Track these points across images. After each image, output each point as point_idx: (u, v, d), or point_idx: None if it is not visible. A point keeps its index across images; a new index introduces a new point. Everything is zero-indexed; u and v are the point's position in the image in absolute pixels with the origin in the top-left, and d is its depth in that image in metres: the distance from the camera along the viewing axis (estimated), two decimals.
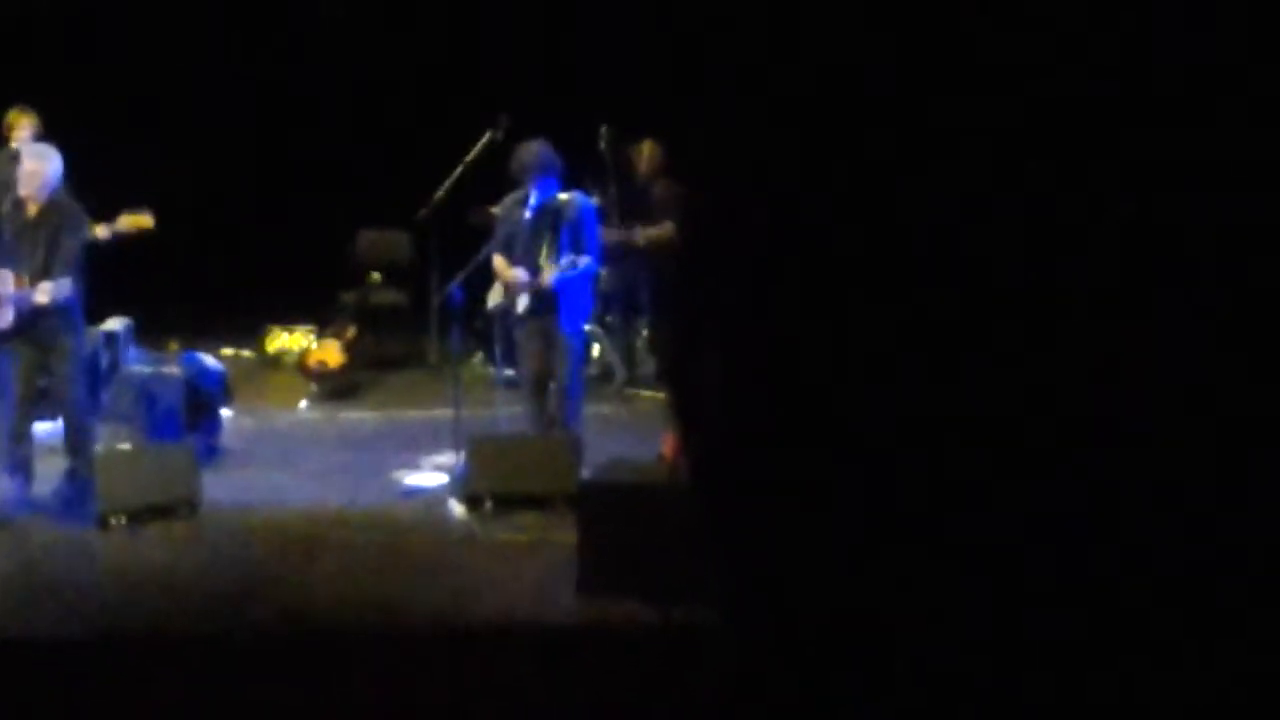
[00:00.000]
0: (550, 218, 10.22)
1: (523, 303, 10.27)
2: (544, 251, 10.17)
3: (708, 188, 0.98)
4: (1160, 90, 0.85)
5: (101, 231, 10.76)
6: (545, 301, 10.21)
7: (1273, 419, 0.83)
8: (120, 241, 11.07)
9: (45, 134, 11.12)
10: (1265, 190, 0.83)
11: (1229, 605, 0.84)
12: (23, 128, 11.52)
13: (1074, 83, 0.85)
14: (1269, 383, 0.83)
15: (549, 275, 10.12)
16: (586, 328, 11.24)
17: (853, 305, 0.88)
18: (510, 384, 11.05)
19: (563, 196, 10.29)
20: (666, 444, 9.86)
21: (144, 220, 11.15)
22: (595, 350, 12.63)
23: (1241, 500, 0.83)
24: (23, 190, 9.98)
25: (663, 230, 12.48)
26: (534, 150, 10.24)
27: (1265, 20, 0.85)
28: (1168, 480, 0.84)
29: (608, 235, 12.38)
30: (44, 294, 9.76)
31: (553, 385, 10.34)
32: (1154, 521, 0.84)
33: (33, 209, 9.95)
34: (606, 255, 11.24)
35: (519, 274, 10.25)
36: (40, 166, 9.99)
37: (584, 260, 10.20)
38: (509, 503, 9.73)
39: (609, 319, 12.90)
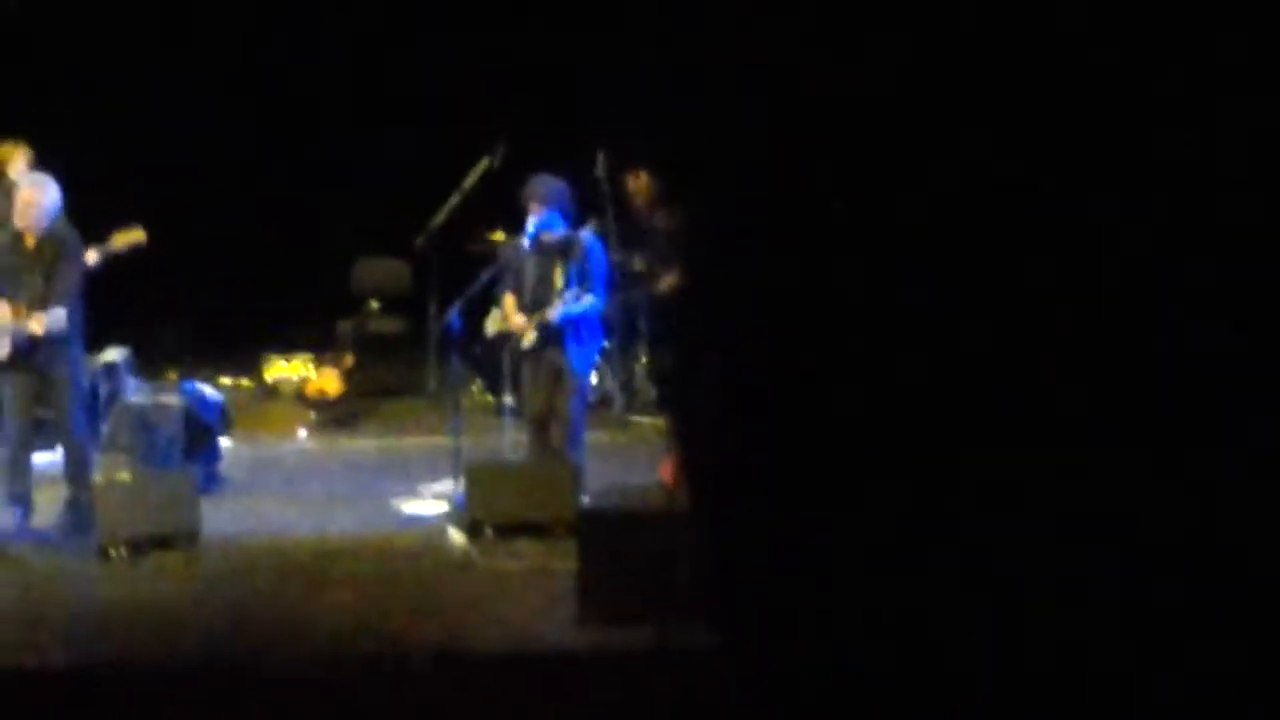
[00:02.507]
0: (557, 255, 10.23)
1: (530, 338, 10.25)
2: (552, 288, 10.18)
3: (709, 219, 0.99)
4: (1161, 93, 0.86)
5: (92, 256, 10.70)
6: (552, 336, 10.20)
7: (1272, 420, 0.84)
8: (115, 261, 11.01)
9: (39, 166, 11.09)
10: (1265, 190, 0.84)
11: (1229, 606, 0.84)
12: (16, 161, 11.51)
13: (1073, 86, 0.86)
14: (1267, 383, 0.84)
15: (553, 312, 10.13)
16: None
17: (850, 334, 0.89)
18: (513, 412, 11.04)
19: (572, 234, 10.29)
20: (666, 470, 9.85)
21: (136, 235, 11.08)
22: (594, 377, 12.63)
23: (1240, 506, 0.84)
24: (19, 222, 9.97)
25: (674, 279, 12.54)
26: (541, 181, 10.26)
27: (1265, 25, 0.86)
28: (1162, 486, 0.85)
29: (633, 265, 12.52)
30: (38, 324, 9.74)
31: (554, 417, 10.32)
32: (1149, 525, 0.85)
33: (30, 240, 9.94)
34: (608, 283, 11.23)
35: (519, 321, 10.26)
36: (37, 197, 9.97)
37: (588, 299, 10.20)
38: (509, 530, 9.71)
39: (608, 345, 12.90)
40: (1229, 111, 0.89)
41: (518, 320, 10.30)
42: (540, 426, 10.38)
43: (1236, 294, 0.87)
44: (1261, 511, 0.88)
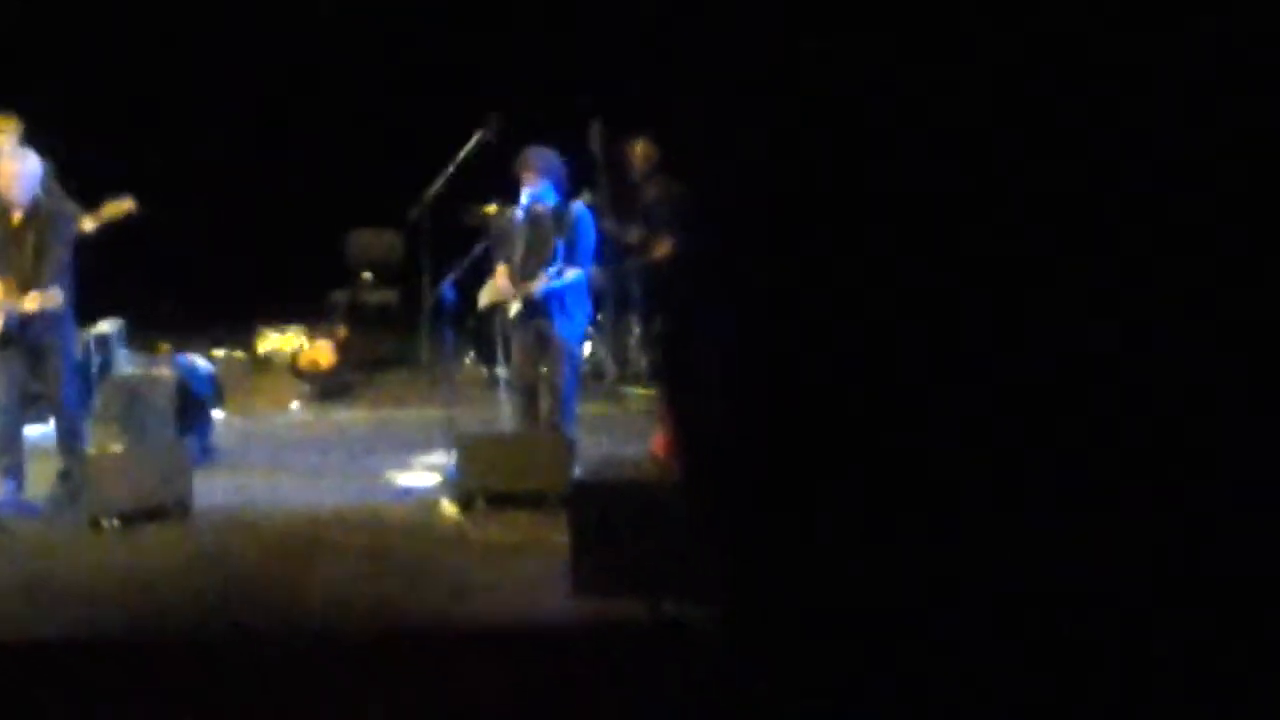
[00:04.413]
0: (549, 226, 10.23)
1: (514, 309, 10.28)
2: (543, 260, 10.18)
3: (705, 189, 0.98)
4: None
5: (89, 224, 10.71)
6: (537, 307, 10.20)
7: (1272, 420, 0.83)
8: (107, 230, 10.99)
9: (30, 138, 11.02)
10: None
11: (1229, 604, 0.83)
12: (5, 134, 11.43)
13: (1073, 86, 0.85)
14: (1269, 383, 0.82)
15: (536, 285, 10.14)
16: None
17: (847, 307, 0.88)
18: (507, 384, 11.05)
19: (563, 206, 10.29)
20: (658, 442, 9.86)
21: (126, 205, 11.06)
22: (587, 348, 12.63)
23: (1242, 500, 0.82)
24: (7, 195, 9.87)
25: (667, 247, 12.53)
26: (535, 152, 10.27)
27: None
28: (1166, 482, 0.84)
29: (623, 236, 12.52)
30: (32, 302, 9.70)
31: (544, 387, 10.33)
32: (1149, 525, 0.84)
33: (16, 215, 9.87)
34: (598, 253, 11.23)
35: (506, 286, 10.29)
36: (16, 170, 9.88)
37: (572, 272, 10.19)
38: (501, 502, 9.72)
39: (601, 316, 12.89)
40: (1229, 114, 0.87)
41: (504, 285, 10.31)
42: (530, 397, 10.40)
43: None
44: (1262, 511, 0.87)
